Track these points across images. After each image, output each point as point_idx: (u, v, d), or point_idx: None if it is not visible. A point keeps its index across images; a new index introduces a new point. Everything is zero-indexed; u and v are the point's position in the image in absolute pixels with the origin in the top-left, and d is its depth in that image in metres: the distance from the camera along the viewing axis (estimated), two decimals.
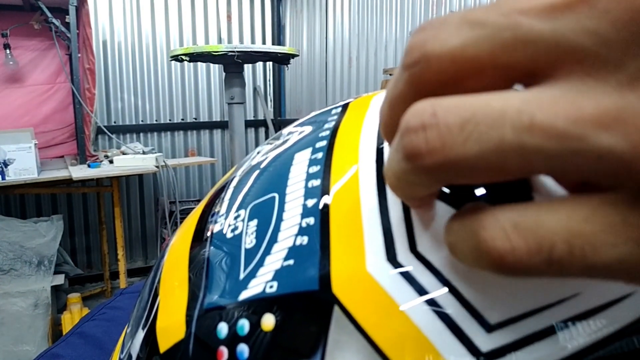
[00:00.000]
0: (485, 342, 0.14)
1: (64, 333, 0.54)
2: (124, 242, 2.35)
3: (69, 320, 2.00)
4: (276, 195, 0.19)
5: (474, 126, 0.10)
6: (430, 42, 0.11)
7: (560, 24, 0.10)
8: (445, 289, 0.14)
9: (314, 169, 0.19)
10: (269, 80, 3.30)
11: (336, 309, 0.15)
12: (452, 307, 0.14)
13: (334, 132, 0.21)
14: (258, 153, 0.24)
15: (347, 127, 0.21)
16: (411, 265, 0.15)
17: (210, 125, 3.13)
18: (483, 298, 0.14)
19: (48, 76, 2.55)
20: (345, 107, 0.23)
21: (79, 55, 2.33)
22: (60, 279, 2.17)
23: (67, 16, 2.23)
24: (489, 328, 0.14)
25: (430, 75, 0.11)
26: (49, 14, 2.20)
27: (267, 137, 3.29)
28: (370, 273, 0.15)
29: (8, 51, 2.35)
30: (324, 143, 0.20)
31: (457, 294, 0.14)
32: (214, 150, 3.16)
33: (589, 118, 0.09)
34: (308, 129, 0.23)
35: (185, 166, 2.93)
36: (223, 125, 3.08)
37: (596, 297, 0.14)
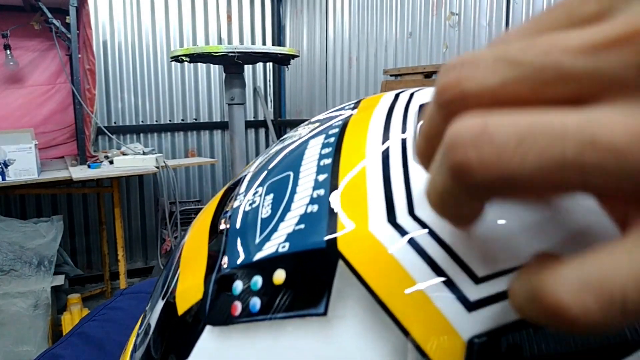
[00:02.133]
0: (473, 292, 0.15)
1: (64, 333, 0.54)
2: (124, 243, 2.35)
3: (69, 320, 2.00)
4: (291, 173, 0.21)
5: (533, 141, 0.10)
6: (466, 80, 0.11)
7: (603, 61, 0.10)
8: (438, 245, 0.16)
9: (326, 150, 0.21)
10: (269, 81, 3.30)
11: (340, 263, 0.17)
12: (444, 260, 0.16)
13: (346, 121, 0.23)
14: (277, 144, 0.27)
15: (358, 117, 0.23)
16: (409, 226, 0.17)
17: (211, 126, 3.13)
18: (472, 253, 0.16)
19: (48, 77, 2.55)
20: (357, 103, 0.26)
21: (79, 55, 2.33)
22: (60, 280, 2.17)
23: (67, 17, 2.23)
24: (476, 280, 0.15)
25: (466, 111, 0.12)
26: (49, 15, 2.20)
27: (267, 137, 3.29)
28: (372, 232, 0.17)
29: (8, 52, 2.35)
30: (336, 130, 0.23)
31: (449, 250, 0.16)
32: (214, 150, 3.16)
33: None
34: (323, 121, 0.25)
35: (185, 167, 2.93)
36: (223, 125, 3.08)
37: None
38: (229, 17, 3.12)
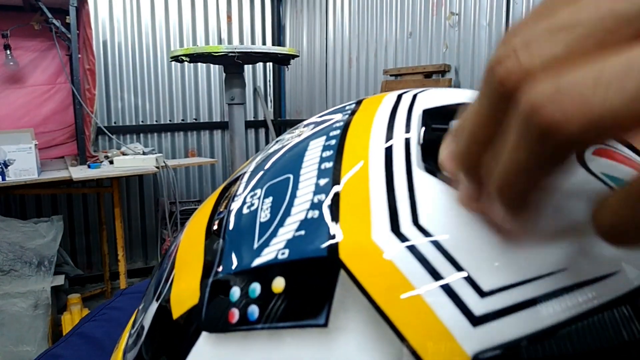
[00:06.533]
0: (478, 306, 0.15)
1: (64, 333, 0.54)
2: (124, 243, 2.35)
3: (69, 320, 2.00)
4: (291, 176, 0.21)
5: (608, 80, 0.10)
6: (526, 61, 0.11)
7: None
8: (444, 257, 0.16)
9: (327, 153, 0.21)
10: (269, 81, 3.30)
11: (342, 273, 0.17)
12: (449, 273, 0.15)
13: (348, 122, 0.23)
14: (276, 142, 0.26)
15: (360, 118, 0.23)
16: (413, 236, 0.16)
17: (211, 126, 3.13)
18: (478, 266, 0.15)
19: (48, 77, 2.55)
20: (359, 102, 0.25)
21: (79, 55, 2.33)
22: (60, 280, 2.17)
23: (67, 17, 2.23)
24: (482, 294, 0.15)
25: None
26: (49, 15, 2.19)
27: (267, 137, 3.29)
28: (375, 242, 0.17)
29: (8, 52, 2.34)
30: (337, 132, 0.22)
31: (454, 262, 0.16)
32: (214, 150, 3.16)
33: None
34: (324, 121, 0.25)
35: (185, 167, 2.93)
36: (223, 125, 3.08)
37: (582, 273, 0.15)
38: (229, 17, 3.12)
